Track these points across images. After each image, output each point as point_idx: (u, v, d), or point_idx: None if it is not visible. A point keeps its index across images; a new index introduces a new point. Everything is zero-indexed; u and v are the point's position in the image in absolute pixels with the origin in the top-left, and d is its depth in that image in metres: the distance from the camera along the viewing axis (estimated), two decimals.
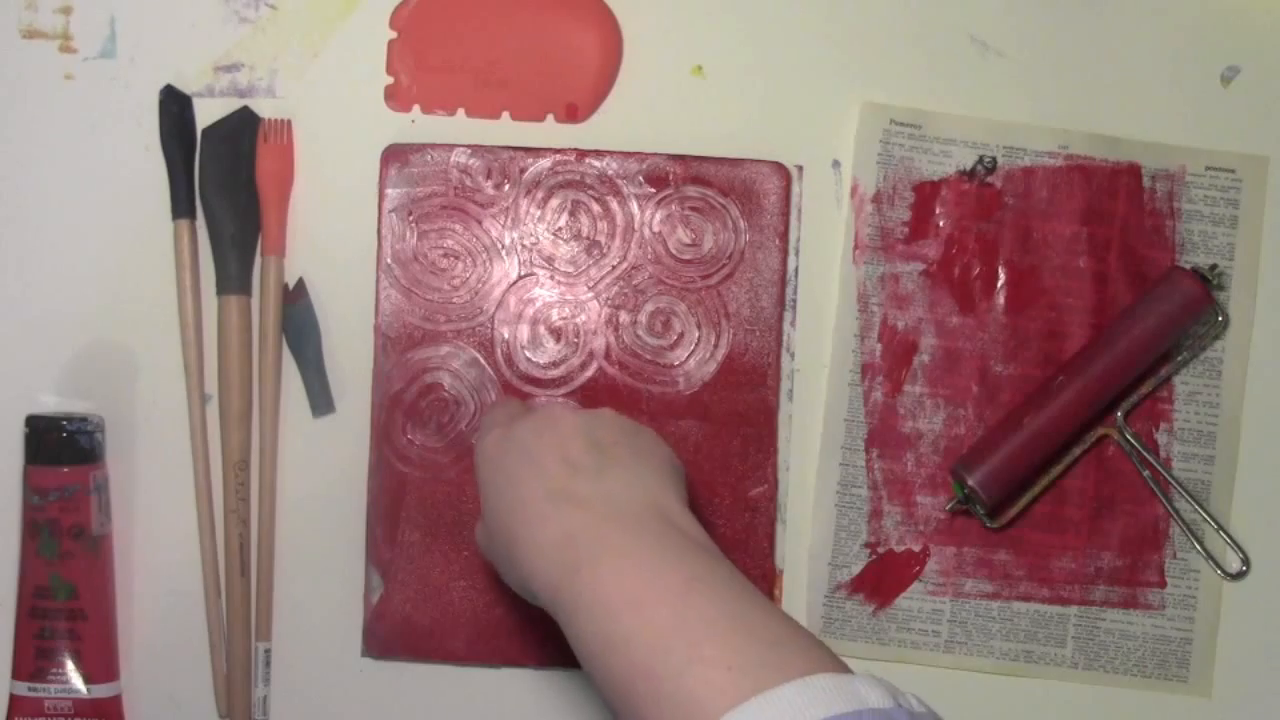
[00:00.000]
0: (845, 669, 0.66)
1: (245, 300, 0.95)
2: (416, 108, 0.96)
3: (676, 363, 0.97)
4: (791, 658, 0.65)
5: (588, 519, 0.74)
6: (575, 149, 0.96)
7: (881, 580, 0.98)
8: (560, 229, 0.96)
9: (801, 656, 0.66)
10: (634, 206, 0.96)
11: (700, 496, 0.97)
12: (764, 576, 0.97)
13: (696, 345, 0.97)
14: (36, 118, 0.95)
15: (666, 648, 0.67)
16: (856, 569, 0.98)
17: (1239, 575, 0.99)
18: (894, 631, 0.99)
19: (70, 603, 0.92)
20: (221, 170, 0.95)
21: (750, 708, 0.62)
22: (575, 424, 0.80)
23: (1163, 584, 0.99)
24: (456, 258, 0.96)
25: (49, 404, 0.95)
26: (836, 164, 0.98)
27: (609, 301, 0.97)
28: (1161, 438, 0.99)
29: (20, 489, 0.93)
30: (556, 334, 0.96)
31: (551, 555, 0.74)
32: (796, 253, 0.98)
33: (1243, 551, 0.99)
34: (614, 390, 0.96)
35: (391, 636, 0.96)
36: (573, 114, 0.97)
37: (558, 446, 0.78)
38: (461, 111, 0.96)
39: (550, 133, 0.96)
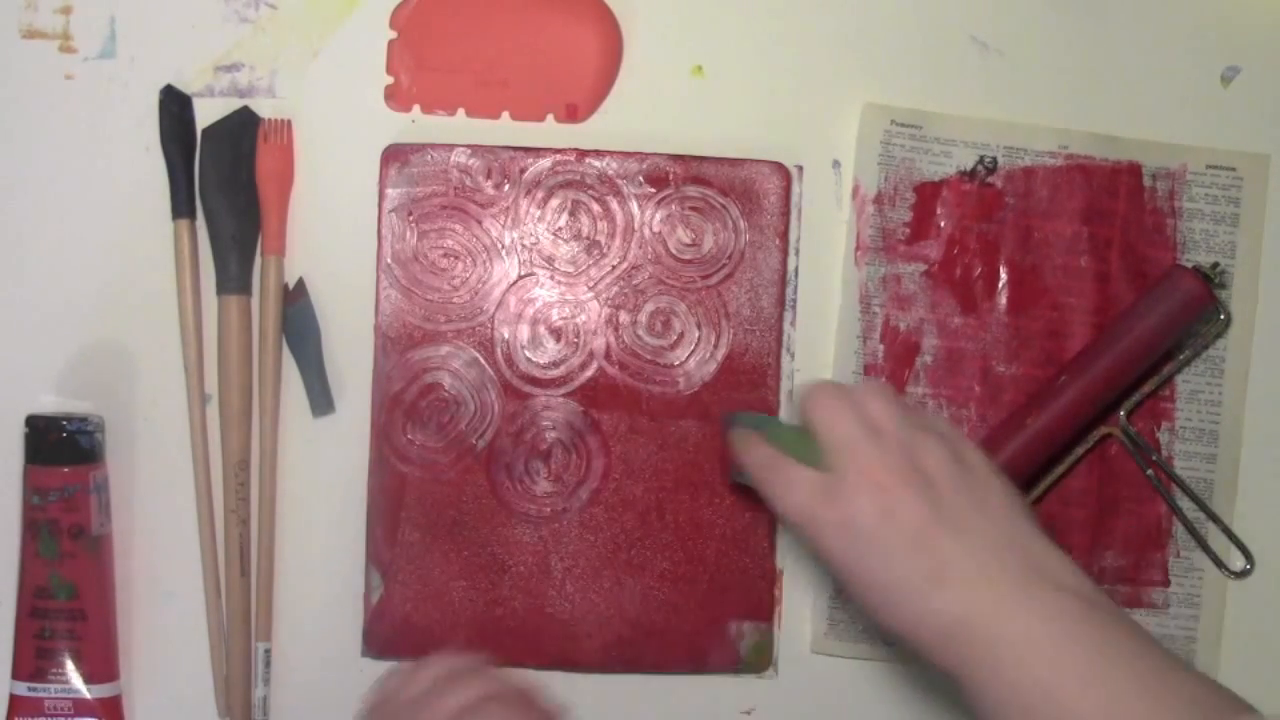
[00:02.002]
0: (1251, 710, 0.69)
1: (245, 300, 0.95)
2: (416, 108, 0.96)
3: (676, 363, 0.97)
4: (1228, 699, 0.70)
5: (971, 600, 0.75)
6: (575, 149, 0.96)
7: None
8: (560, 229, 0.96)
9: (1229, 705, 0.70)
10: (634, 206, 0.96)
11: (700, 496, 0.97)
12: (764, 576, 0.97)
13: (696, 345, 0.97)
14: (36, 118, 0.95)
15: (1124, 695, 0.70)
16: None
17: (1243, 574, 0.99)
18: None
19: (70, 603, 0.92)
20: (221, 170, 0.95)
21: None
22: (937, 456, 0.79)
23: (1166, 583, 0.99)
24: (456, 258, 0.96)
25: (49, 404, 0.95)
26: (837, 164, 0.98)
27: (609, 301, 0.96)
28: (1164, 436, 0.99)
29: (20, 489, 0.93)
30: (556, 334, 0.96)
31: (941, 644, 0.75)
32: (797, 253, 0.98)
33: (1246, 550, 0.98)
34: (614, 390, 0.96)
35: (391, 636, 0.96)
36: (573, 114, 0.97)
37: (924, 493, 0.78)
38: (461, 111, 0.96)
39: (550, 133, 0.96)
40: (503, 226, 0.96)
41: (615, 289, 0.97)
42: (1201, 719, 0.67)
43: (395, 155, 0.95)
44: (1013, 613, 0.74)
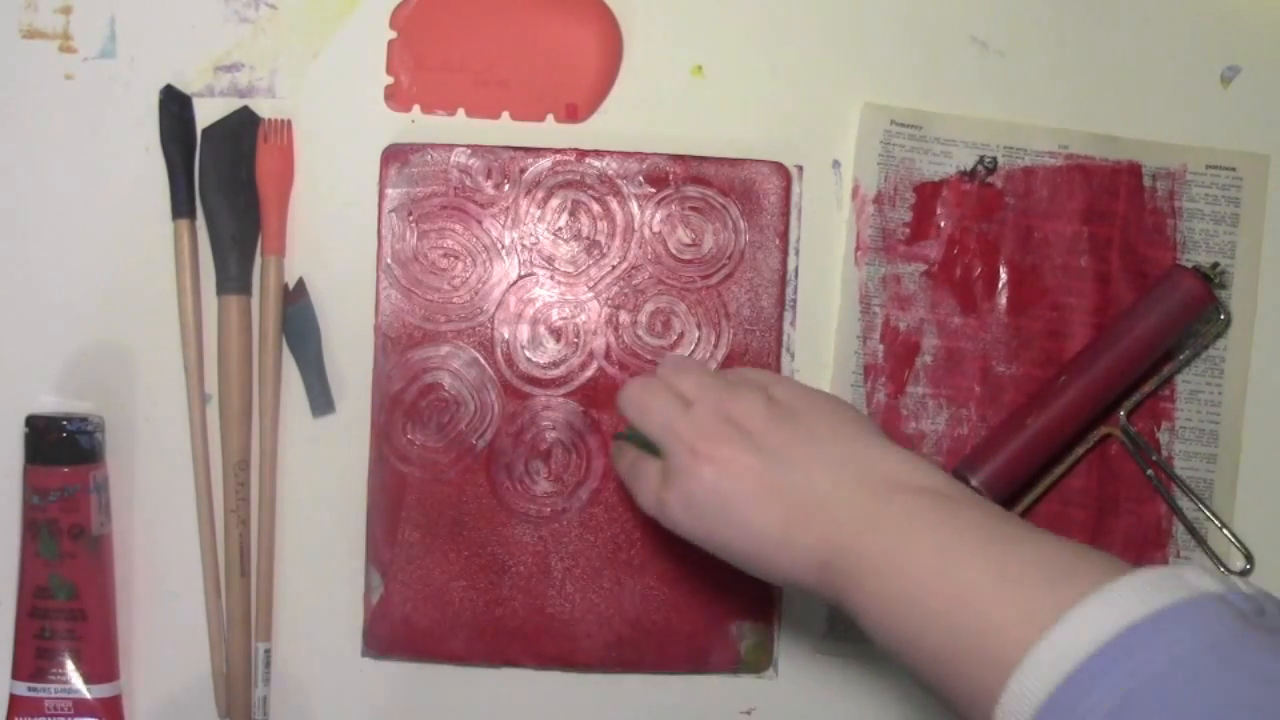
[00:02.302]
0: (1113, 564, 0.66)
1: (245, 300, 0.95)
2: (416, 108, 0.96)
3: None
4: (1096, 563, 0.66)
5: (827, 532, 0.74)
6: (575, 149, 0.96)
7: None
8: (560, 229, 0.96)
9: (1104, 561, 0.67)
10: (634, 206, 0.96)
11: None
12: None
13: (696, 345, 0.97)
14: (36, 118, 0.95)
15: (976, 614, 0.67)
16: None
17: (1243, 574, 0.99)
18: None
19: (70, 603, 0.92)
20: (221, 170, 0.95)
21: (1087, 606, 0.63)
22: (750, 406, 0.79)
23: None
24: (456, 258, 0.96)
25: (49, 404, 0.95)
26: (836, 164, 0.98)
27: (609, 301, 0.96)
28: (1164, 436, 0.99)
29: (20, 489, 0.93)
30: (556, 334, 0.96)
31: (819, 580, 0.75)
32: (796, 253, 0.98)
33: (1246, 550, 0.98)
34: (614, 390, 0.96)
35: (391, 636, 0.96)
36: (573, 114, 0.97)
37: (745, 447, 0.78)
38: (461, 111, 0.96)
39: (550, 133, 0.97)
40: (503, 226, 0.96)
41: (615, 289, 0.97)
42: (1057, 581, 0.65)
43: (395, 155, 0.95)
44: (862, 530, 0.73)
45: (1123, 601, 0.63)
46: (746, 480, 0.77)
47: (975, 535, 0.71)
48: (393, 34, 0.96)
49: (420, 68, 0.96)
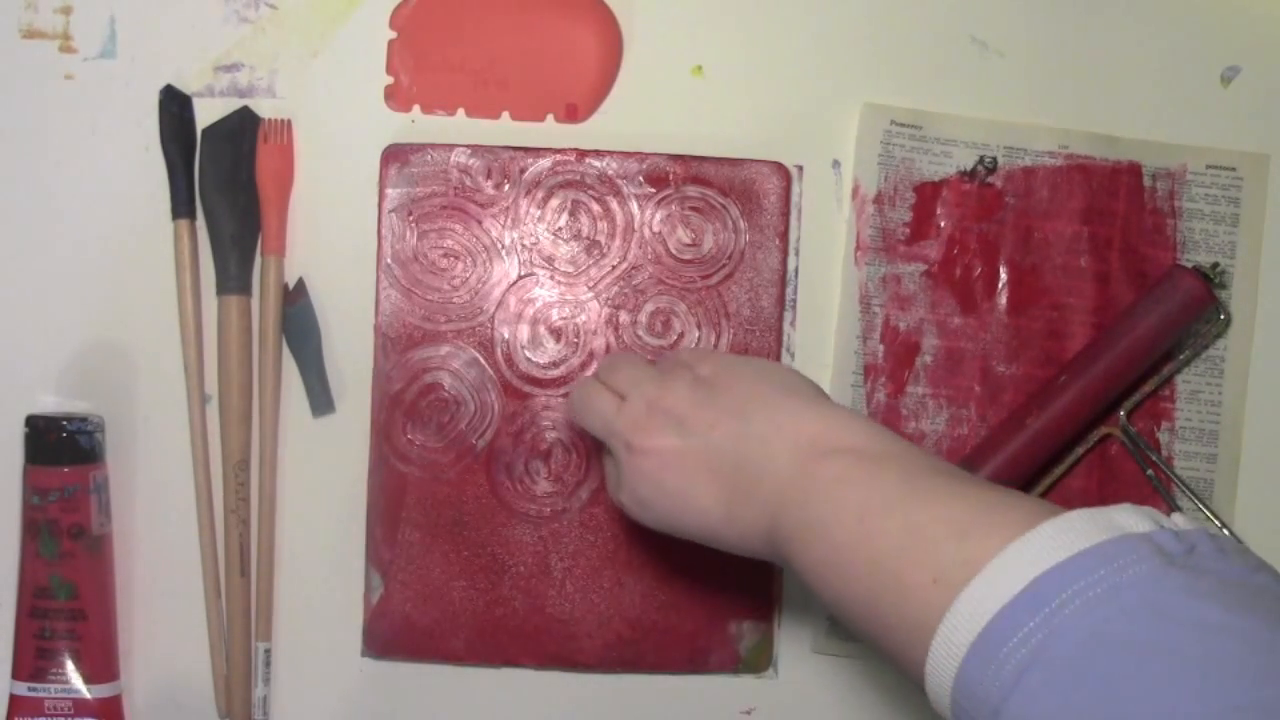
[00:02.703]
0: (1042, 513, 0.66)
1: (245, 300, 0.95)
2: (416, 108, 0.96)
3: None
4: (1021, 511, 0.65)
5: (766, 504, 0.75)
6: (575, 149, 0.96)
7: None
8: (560, 229, 0.96)
9: (1030, 508, 0.66)
10: (634, 206, 0.96)
11: None
12: (764, 576, 0.97)
13: (696, 345, 0.97)
14: (36, 118, 0.95)
15: (911, 559, 0.67)
16: None
17: None
18: None
19: (70, 603, 0.92)
20: (221, 170, 0.95)
21: (1010, 551, 0.63)
22: (677, 391, 0.80)
23: None
24: (456, 258, 0.96)
25: (49, 404, 0.95)
26: (836, 164, 0.98)
27: (609, 301, 0.96)
28: (1164, 436, 0.99)
29: (20, 489, 0.93)
30: (556, 334, 0.96)
31: (769, 546, 0.76)
32: (796, 253, 0.98)
33: None
34: None
35: (391, 636, 0.96)
36: (573, 114, 0.97)
37: (675, 433, 0.78)
38: (461, 111, 0.96)
39: (550, 133, 0.97)
40: (503, 226, 0.96)
41: (615, 289, 0.97)
42: (971, 536, 0.65)
43: (395, 155, 0.95)
44: (791, 499, 0.74)
45: (1039, 548, 0.62)
46: (684, 466, 0.77)
47: (892, 495, 0.70)
48: (393, 34, 0.96)
49: (420, 68, 0.96)
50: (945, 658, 0.63)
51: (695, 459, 0.77)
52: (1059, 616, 0.60)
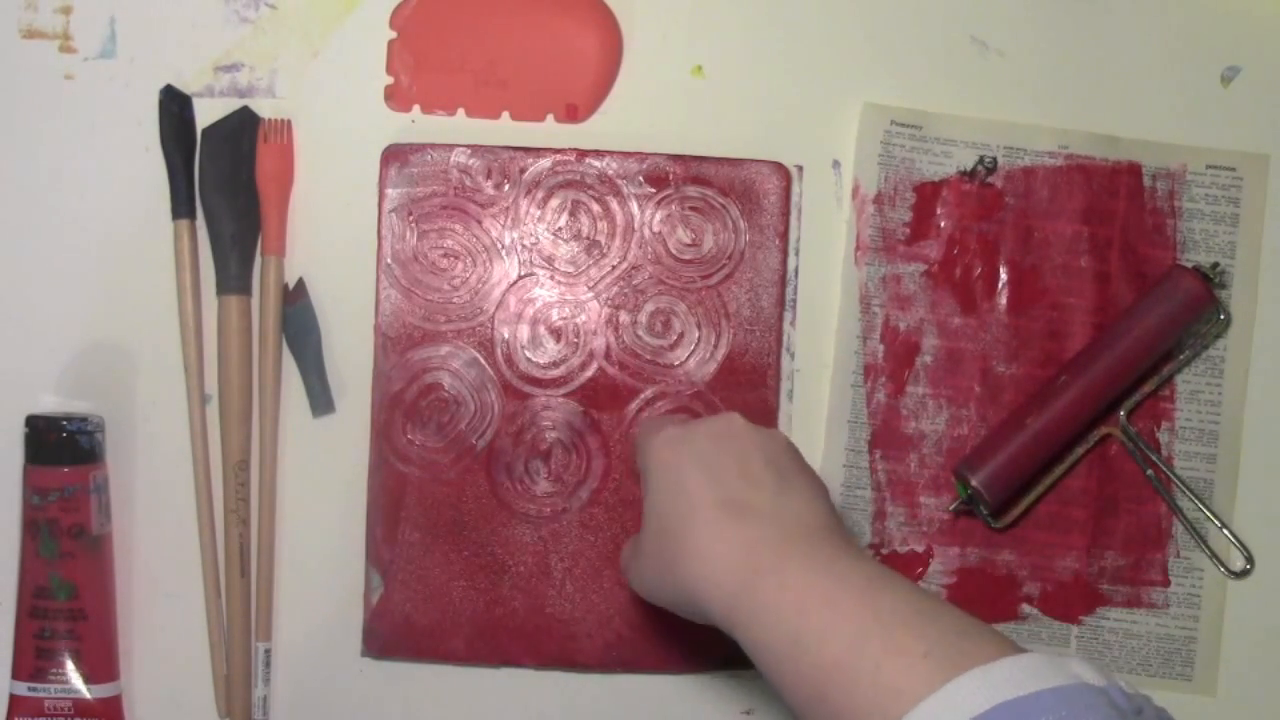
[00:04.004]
0: (1020, 650, 0.67)
1: (245, 300, 0.95)
2: (416, 108, 0.96)
3: (676, 363, 0.97)
4: (984, 644, 0.66)
5: (769, 531, 0.75)
6: (575, 149, 0.96)
7: None
8: (560, 229, 0.96)
9: (993, 643, 0.67)
10: (634, 206, 0.96)
11: None
12: None
13: (696, 345, 0.97)
14: (36, 118, 0.95)
15: (862, 639, 0.68)
16: None
17: (1243, 573, 0.99)
18: None
19: (70, 603, 0.92)
20: (221, 170, 0.95)
21: (968, 679, 0.64)
22: (755, 440, 0.80)
23: (1166, 583, 0.99)
24: (456, 258, 0.96)
25: (49, 404, 0.95)
26: (836, 164, 0.98)
27: (609, 301, 0.96)
28: (1164, 436, 0.99)
29: (20, 489, 0.93)
30: (556, 334, 0.96)
31: (729, 562, 0.75)
32: (796, 253, 0.98)
33: (1246, 550, 0.98)
34: (614, 390, 0.96)
35: (391, 636, 0.96)
36: (573, 114, 0.97)
37: (737, 459, 0.79)
38: (461, 111, 0.96)
39: (550, 133, 0.97)
40: (503, 226, 0.96)
41: (615, 289, 0.97)
42: (938, 657, 0.66)
43: (395, 155, 0.95)
44: (802, 541, 0.75)
45: (1000, 678, 0.63)
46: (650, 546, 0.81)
47: (892, 584, 0.71)
48: (393, 34, 0.96)
49: (420, 68, 0.96)
50: None
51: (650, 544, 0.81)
52: None
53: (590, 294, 0.96)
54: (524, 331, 0.96)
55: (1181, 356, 0.98)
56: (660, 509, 0.80)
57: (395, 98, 0.96)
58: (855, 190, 0.97)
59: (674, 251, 0.97)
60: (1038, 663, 0.64)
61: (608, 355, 0.96)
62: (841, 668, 0.68)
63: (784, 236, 0.97)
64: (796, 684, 0.70)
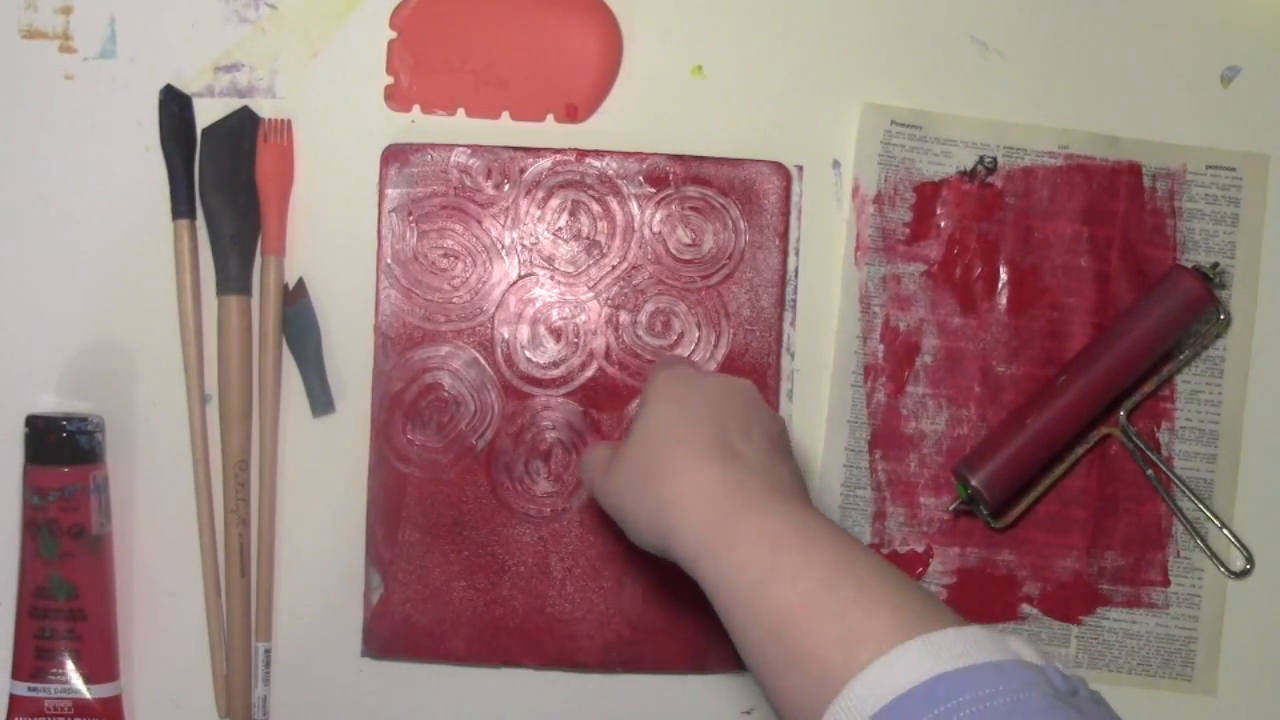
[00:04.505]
0: (964, 622, 0.67)
1: (245, 300, 0.95)
2: (416, 108, 0.96)
3: None
4: (940, 612, 0.67)
5: (755, 479, 0.76)
6: (575, 149, 0.96)
7: None
8: (560, 229, 0.96)
9: (947, 615, 0.67)
10: (634, 206, 0.96)
11: None
12: None
13: (696, 345, 0.97)
14: (36, 118, 0.95)
15: (835, 581, 0.69)
16: None
17: (1243, 573, 0.99)
18: None
19: (70, 603, 0.92)
20: (221, 170, 0.95)
21: (914, 646, 0.64)
22: (760, 409, 0.81)
23: (1166, 583, 0.99)
24: (456, 258, 0.96)
25: (49, 404, 0.95)
26: (836, 164, 0.98)
27: (609, 301, 0.96)
28: (1164, 436, 0.99)
29: (20, 489, 0.93)
30: (556, 334, 0.96)
31: (711, 492, 0.75)
32: (796, 253, 0.98)
33: (1246, 549, 0.98)
34: (614, 390, 0.96)
35: (391, 636, 0.96)
36: (573, 114, 0.97)
37: (740, 416, 0.80)
38: (461, 111, 0.96)
39: (550, 133, 0.97)
40: (503, 226, 0.96)
41: (615, 289, 0.97)
42: (936, 611, 0.67)
43: (395, 155, 0.95)
44: (784, 496, 0.75)
45: (940, 649, 0.64)
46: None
47: (813, 562, 0.71)
48: (393, 34, 0.96)
49: (420, 68, 0.96)
50: None
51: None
52: (954, 717, 0.61)
53: (590, 294, 0.96)
54: (524, 331, 0.96)
55: (1181, 356, 0.98)
56: (653, 428, 0.80)
57: (395, 98, 0.96)
58: (855, 190, 0.97)
59: (674, 251, 0.97)
60: (979, 636, 0.65)
61: (608, 355, 0.96)
62: (809, 606, 0.68)
63: (784, 236, 0.97)
64: (755, 621, 0.71)
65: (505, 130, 0.96)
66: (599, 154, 0.96)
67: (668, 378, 0.82)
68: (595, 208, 0.96)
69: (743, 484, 0.75)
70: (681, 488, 0.76)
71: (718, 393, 0.81)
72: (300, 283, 0.96)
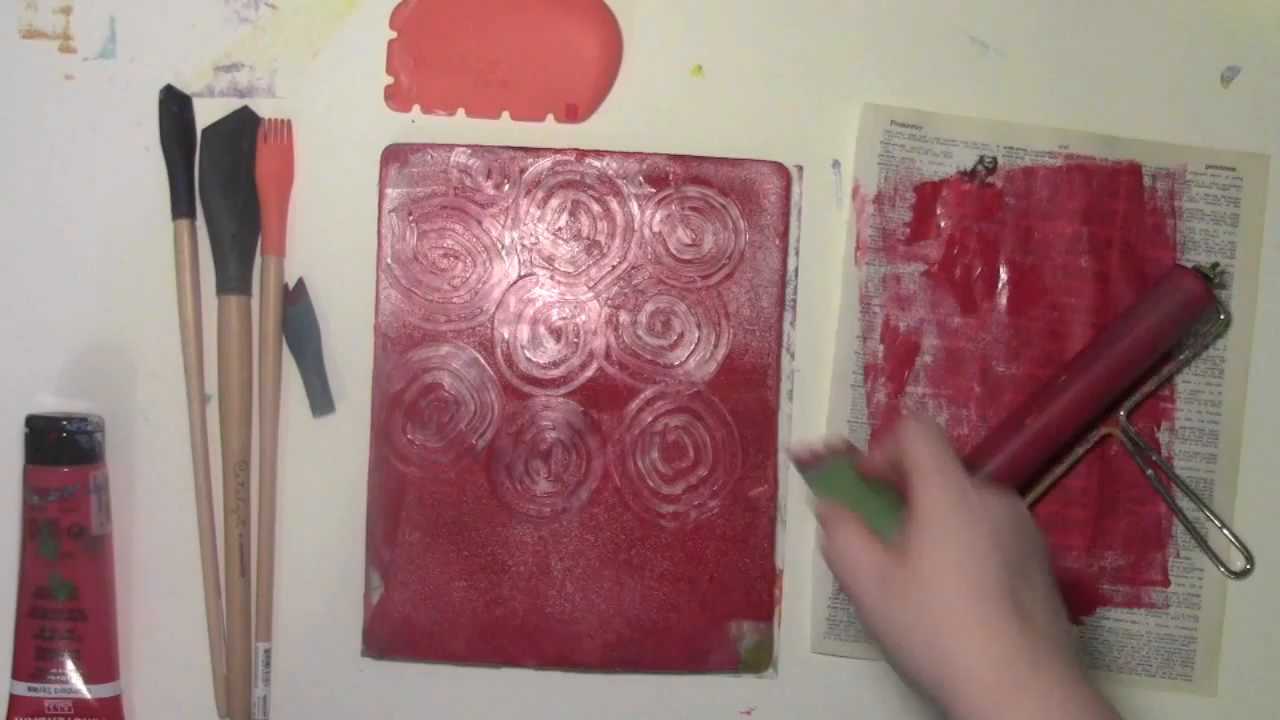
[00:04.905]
0: None
1: (245, 300, 0.95)
2: (416, 108, 0.96)
3: (676, 363, 0.97)
4: None
5: (1043, 644, 0.75)
6: (575, 149, 0.96)
7: None
8: (560, 229, 0.96)
9: None
10: (634, 206, 0.96)
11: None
12: (764, 577, 0.97)
13: (696, 345, 0.97)
14: (36, 118, 0.95)
15: None
16: None
17: (1243, 573, 0.99)
18: None
19: (70, 603, 0.92)
20: (221, 170, 0.95)
21: None
22: (1037, 539, 0.80)
23: (1166, 583, 0.99)
24: (456, 258, 0.96)
25: (49, 404, 0.95)
26: (836, 164, 0.98)
27: (609, 301, 0.96)
28: (1164, 436, 0.99)
29: (20, 489, 0.93)
30: (556, 334, 0.96)
31: (999, 665, 0.75)
32: (796, 253, 0.98)
33: (1246, 549, 0.98)
34: (614, 390, 0.96)
35: (391, 636, 0.96)
36: (573, 114, 0.97)
37: (1025, 554, 0.78)
38: (461, 111, 0.96)
39: (550, 133, 0.97)
40: (503, 226, 0.96)
41: (615, 289, 0.97)
42: None
43: (395, 155, 0.95)
44: (1046, 677, 0.74)
45: None
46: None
47: None
48: (393, 34, 0.96)
49: (420, 68, 0.96)
50: None
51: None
52: None
53: (590, 294, 0.96)
54: (524, 331, 0.96)
55: (1181, 356, 0.98)
56: (938, 573, 0.77)
57: (395, 98, 0.96)
58: (855, 190, 0.97)
59: (674, 251, 0.97)
60: None
61: (608, 355, 0.96)
62: None
63: (784, 236, 0.97)
64: None
65: (505, 130, 0.96)
66: (599, 154, 0.96)
67: (940, 495, 0.79)
68: (595, 208, 0.96)
69: (1034, 652, 0.75)
70: (972, 650, 0.75)
71: (1001, 527, 0.78)
72: (300, 283, 0.96)
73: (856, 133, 0.97)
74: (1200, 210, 0.98)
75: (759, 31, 0.97)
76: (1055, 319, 0.98)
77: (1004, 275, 0.98)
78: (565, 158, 0.96)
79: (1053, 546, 0.97)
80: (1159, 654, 0.98)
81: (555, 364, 0.96)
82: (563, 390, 0.96)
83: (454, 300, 0.96)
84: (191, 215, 0.95)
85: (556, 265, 0.96)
